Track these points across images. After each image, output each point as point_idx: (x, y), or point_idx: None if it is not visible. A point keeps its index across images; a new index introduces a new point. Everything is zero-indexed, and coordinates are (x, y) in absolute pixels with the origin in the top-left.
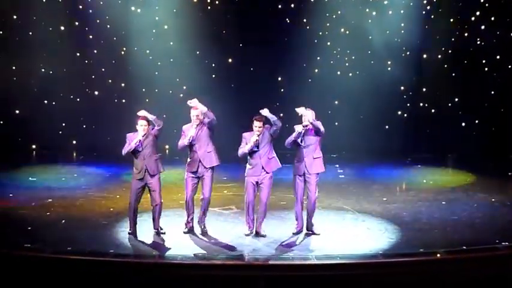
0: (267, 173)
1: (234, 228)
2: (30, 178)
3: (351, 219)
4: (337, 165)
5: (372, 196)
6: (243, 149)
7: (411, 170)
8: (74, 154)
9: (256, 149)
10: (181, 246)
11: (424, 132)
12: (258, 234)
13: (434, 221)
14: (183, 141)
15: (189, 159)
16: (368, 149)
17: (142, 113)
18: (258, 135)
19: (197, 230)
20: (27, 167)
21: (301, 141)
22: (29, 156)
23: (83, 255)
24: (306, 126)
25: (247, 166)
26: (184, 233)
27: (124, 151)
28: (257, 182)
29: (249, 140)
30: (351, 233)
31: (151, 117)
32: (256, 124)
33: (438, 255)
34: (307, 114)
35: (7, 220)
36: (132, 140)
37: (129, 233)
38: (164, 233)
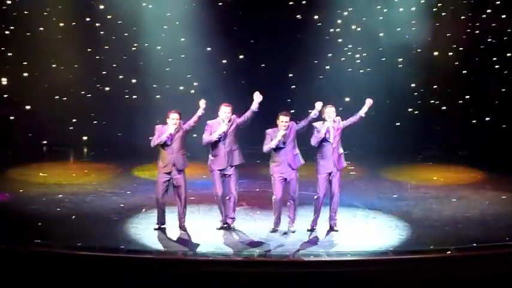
0: (293, 169)
1: (243, 224)
2: (40, 174)
3: (361, 216)
4: (348, 162)
5: (383, 193)
6: (269, 144)
7: (422, 167)
8: (85, 150)
9: (282, 146)
10: (195, 242)
11: (435, 130)
12: (289, 230)
13: (445, 218)
14: (211, 137)
15: (212, 157)
16: (379, 146)
17: (202, 103)
18: (285, 130)
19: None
20: (38, 162)
21: (329, 138)
22: (40, 152)
23: (94, 251)
24: (334, 122)
25: (271, 164)
26: (218, 228)
27: (153, 143)
28: (285, 179)
29: (274, 136)
30: (362, 229)
31: (201, 112)
32: (283, 119)
33: (449, 252)
34: (330, 112)
35: (18, 215)
36: (163, 133)
37: (155, 229)
38: (185, 231)
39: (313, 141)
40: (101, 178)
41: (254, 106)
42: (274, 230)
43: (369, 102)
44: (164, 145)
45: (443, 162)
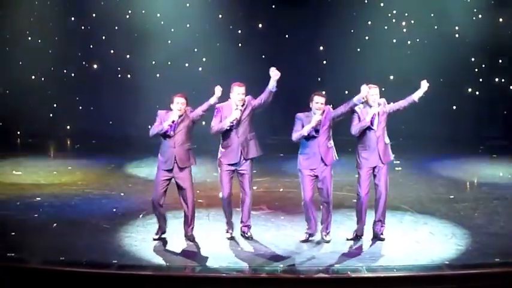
0: (326, 165)
1: (265, 232)
2: (14, 172)
3: (409, 222)
4: (393, 155)
5: (436, 193)
6: (301, 131)
7: (485, 160)
8: (68, 142)
9: (315, 135)
10: (204, 255)
11: (500, 114)
12: (323, 239)
13: None
14: (222, 124)
15: (223, 149)
16: (431, 135)
17: (218, 90)
18: (322, 114)
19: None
20: (11, 158)
21: (373, 125)
22: (13, 145)
23: (80, 267)
24: (379, 105)
25: (300, 157)
26: (229, 239)
27: (152, 132)
28: (316, 176)
29: (306, 121)
30: (410, 238)
31: (214, 100)
32: (318, 100)
33: None
34: (374, 93)
35: None
36: (165, 120)
37: (154, 239)
38: (193, 241)
39: (354, 129)
40: (88, 177)
41: (271, 85)
42: (306, 240)
43: (425, 85)
44: (166, 136)
45: (510, 154)
